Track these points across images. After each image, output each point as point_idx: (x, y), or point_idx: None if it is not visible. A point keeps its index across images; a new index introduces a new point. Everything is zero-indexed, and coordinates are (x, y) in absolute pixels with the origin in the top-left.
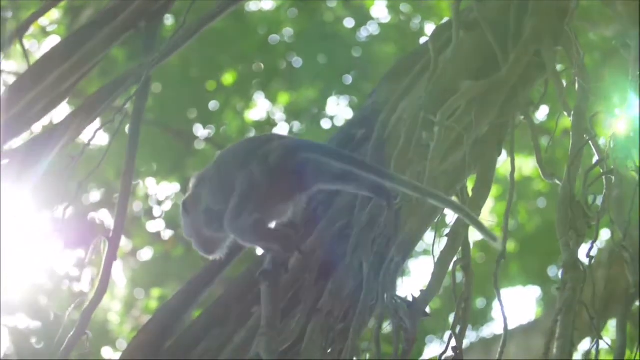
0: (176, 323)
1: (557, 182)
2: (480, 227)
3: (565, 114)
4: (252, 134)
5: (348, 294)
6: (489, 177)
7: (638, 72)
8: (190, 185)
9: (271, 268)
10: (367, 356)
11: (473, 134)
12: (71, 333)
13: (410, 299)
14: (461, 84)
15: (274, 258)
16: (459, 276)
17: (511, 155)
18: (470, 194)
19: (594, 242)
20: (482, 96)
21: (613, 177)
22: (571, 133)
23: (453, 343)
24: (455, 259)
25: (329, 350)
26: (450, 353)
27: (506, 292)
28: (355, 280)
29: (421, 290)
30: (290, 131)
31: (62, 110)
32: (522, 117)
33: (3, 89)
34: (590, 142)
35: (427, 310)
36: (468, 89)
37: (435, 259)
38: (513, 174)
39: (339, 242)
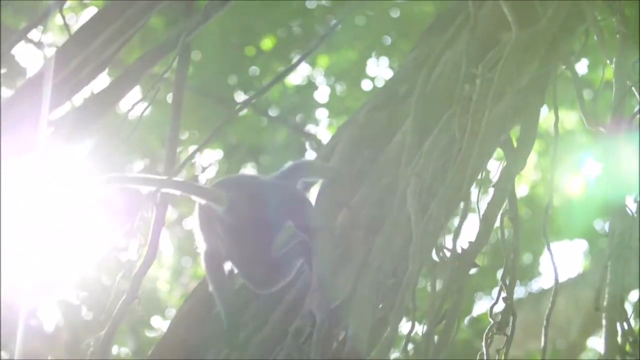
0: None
1: (602, 129)
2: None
3: (608, 62)
4: (293, 98)
5: (397, 249)
6: (532, 128)
7: None
8: None
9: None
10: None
11: (515, 86)
12: (122, 298)
13: (459, 251)
14: (501, 36)
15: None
16: (507, 228)
17: (554, 105)
18: (515, 145)
19: None
20: (522, 47)
21: None
22: (614, 81)
23: (503, 294)
24: (502, 211)
25: (380, 306)
26: (501, 304)
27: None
28: (404, 235)
29: (469, 242)
30: (332, 93)
31: (103, 80)
32: (564, 67)
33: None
34: (632, 88)
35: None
36: (508, 41)
37: (481, 213)
38: (557, 123)
39: (386, 197)
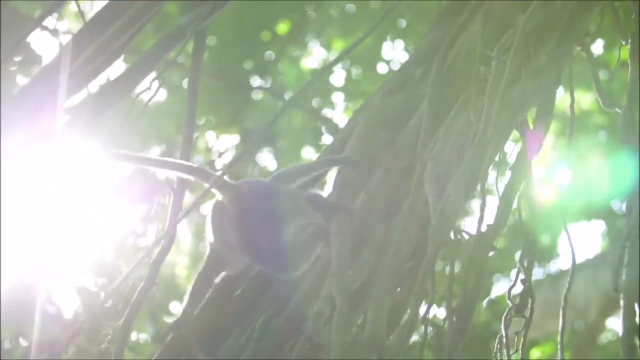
0: (246, 270)
1: (618, 110)
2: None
3: (623, 42)
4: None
5: (415, 232)
6: (549, 109)
7: None
8: None
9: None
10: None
11: (531, 67)
12: (141, 285)
13: (477, 233)
14: (516, 18)
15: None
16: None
17: (570, 86)
18: (531, 126)
19: None
20: (538, 28)
21: None
22: (629, 60)
23: (521, 276)
24: (519, 193)
25: (398, 289)
26: (519, 287)
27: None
28: (421, 218)
29: (487, 225)
30: (348, 77)
31: (119, 67)
32: (580, 48)
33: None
34: None
35: (495, 245)
36: (523, 22)
37: (500, 195)
38: (573, 105)
39: (403, 180)
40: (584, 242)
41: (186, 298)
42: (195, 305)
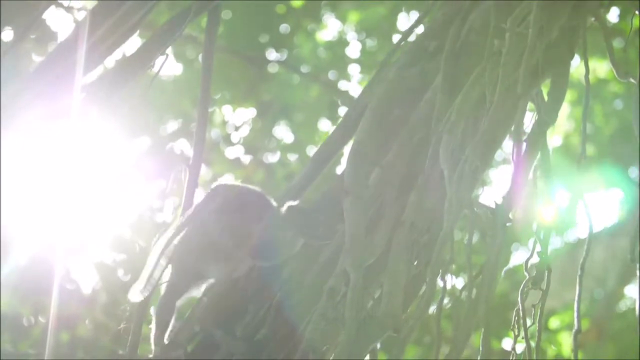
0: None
1: (632, 80)
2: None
3: (637, 12)
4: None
5: (431, 206)
6: (563, 81)
7: None
8: None
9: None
10: (453, 267)
11: (545, 39)
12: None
13: (493, 205)
14: None
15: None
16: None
17: (584, 57)
18: (546, 98)
19: None
20: (551, 0)
21: None
22: None
23: (538, 248)
24: (535, 164)
25: (415, 263)
26: (535, 258)
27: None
28: (437, 192)
29: (503, 197)
30: (363, 49)
31: (134, 43)
32: (593, 19)
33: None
34: None
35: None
36: None
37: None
38: (587, 76)
39: (418, 154)
40: (602, 210)
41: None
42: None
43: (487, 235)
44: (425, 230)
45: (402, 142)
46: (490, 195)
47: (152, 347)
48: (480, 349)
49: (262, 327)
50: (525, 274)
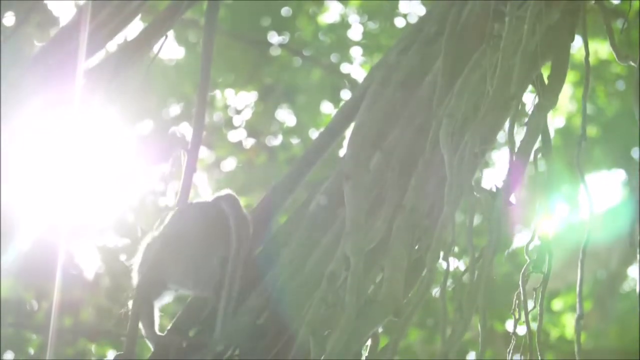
0: (262, 231)
1: (632, 63)
2: None
3: None
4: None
5: (432, 189)
6: (563, 64)
7: None
8: None
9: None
10: (456, 249)
11: (545, 22)
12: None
13: (494, 189)
14: None
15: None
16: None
17: (584, 40)
18: (546, 82)
19: None
20: None
21: None
22: None
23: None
24: (535, 147)
25: (416, 247)
26: (536, 242)
27: (591, 177)
28: (438, 175)
29: (504, 180)
30: (366, 31)
31: (135, 27)
32: (594, 1)
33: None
34: None
35: (512, 200)
36: None
37: (516, 149)
38: (587, 59)
39: (419, 138)
40: (604, 191)
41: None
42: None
43: (487, 218)
44: (426, 214)
45: (402, 126)
46: (492, 177)
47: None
48: (480, 331)
49: (263, 311)
50: (526, 257)
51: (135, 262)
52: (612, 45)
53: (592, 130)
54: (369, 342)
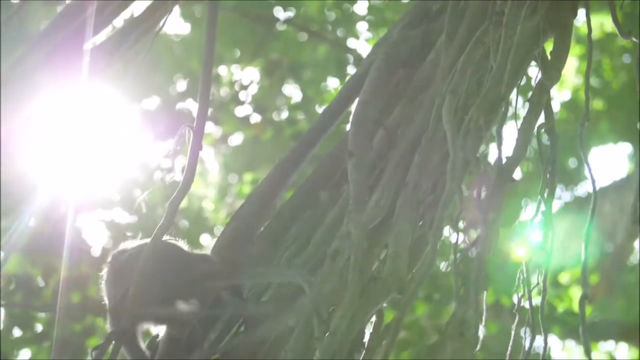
0: (267, 208)
1: (635, 39)
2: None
3: None
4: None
5: (435, 166)
6: (566, 41)
7: None
8: None
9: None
10: (462, 224)
11: None
12: (159, 225)
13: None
14: None
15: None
16: (545, 140)
17: (587, 16)
18: (549, 57)
19: None
20: None
21: None
22: None
23: (542, 208)
24: (539, 123)
25: (420, 223)
26: (540, 217)
27: (597, 150)
28: (441, 152)
29: (507, 157)
30: (370, 6)
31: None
32: None
33: None
34: None
35: (515, 176)
36: None
37: (519, 124)
38: (590, 35)
39: (422, 114)
40: (610, 164)
41: None
42: None
43: (489, 194)
44: (429, 190)
45: (405, 103)
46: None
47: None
48: (484, 307)
49: (267, 289)
50: (530, 235)
51: (107, 280)
52: (615, 21)
53: (598, 104)
54: (373, 319)
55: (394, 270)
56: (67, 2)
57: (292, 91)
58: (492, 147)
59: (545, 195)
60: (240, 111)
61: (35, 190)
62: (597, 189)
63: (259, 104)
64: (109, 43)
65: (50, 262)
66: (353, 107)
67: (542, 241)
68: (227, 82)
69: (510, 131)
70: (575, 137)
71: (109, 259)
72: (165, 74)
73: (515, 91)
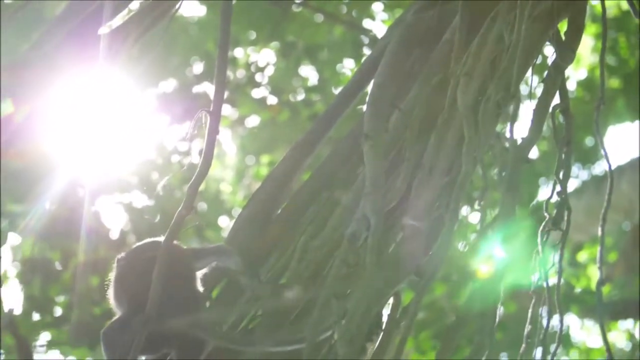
0: (284, 189)
1: None
2: None
3: None
4: None
5: (451, 147)
6: (580, 21)
7: None
8: None
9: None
10: (478, 205)
11: None
12: (178, 210)
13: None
14: None
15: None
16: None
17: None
18: (563, 38)
19: None
20: None
21: None
22: None
23: (558, 188)
24: (553, 103)
25: (436, 205)
26: (555, 198)
27: (614, 129)
28: (456, 133)
29: (522, 138)
30: None
31: None
32: None
33: None
34: None
35: (530, 156)
36: None
37: (534, 107)
38: (604, 17)
39: (437, 96)
40: (627, 142)
41: None
42: None
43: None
44: (445, 172)
45: (420, 85)
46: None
47: None
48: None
49: (285, 271)
50: (545, 214)
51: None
52: (629, 1)
53: (614, 82)
54: (391, 301)
55: (411, 252)
56: None
57: (308, 73)
58: (508, 128)
59: (561, 176)
60: (256, 93)
61: (54, 173)
62: (614, 167)
63: (275, 86)
64: (126, 26)
65: (69, 246)
66: (369, 89)
67: (557, 221)
68: (243, 64)
69: (526, 111)
70: (592, 115)
71: (115, 263)
72: (181, 56)
73: (530, 71)
